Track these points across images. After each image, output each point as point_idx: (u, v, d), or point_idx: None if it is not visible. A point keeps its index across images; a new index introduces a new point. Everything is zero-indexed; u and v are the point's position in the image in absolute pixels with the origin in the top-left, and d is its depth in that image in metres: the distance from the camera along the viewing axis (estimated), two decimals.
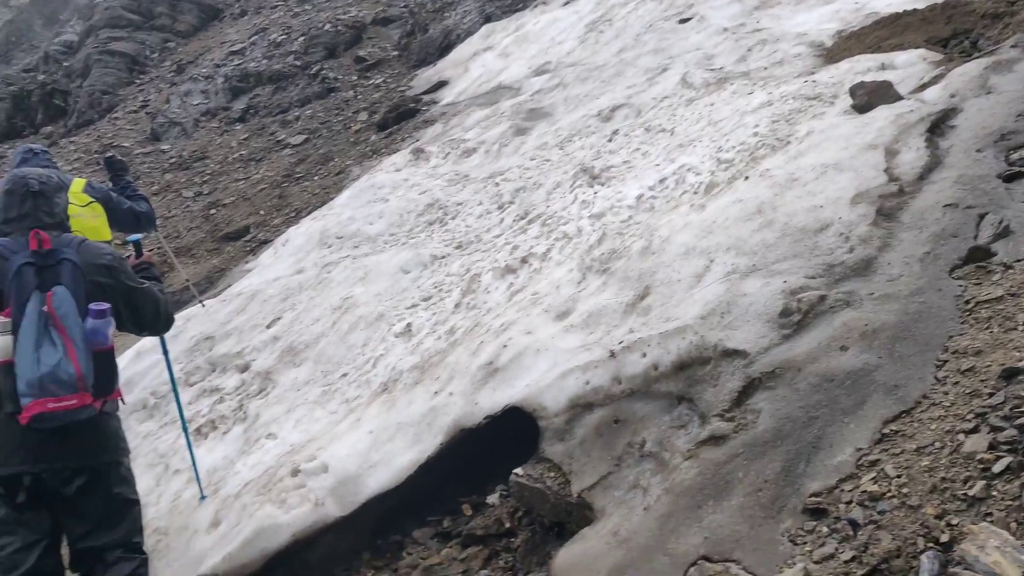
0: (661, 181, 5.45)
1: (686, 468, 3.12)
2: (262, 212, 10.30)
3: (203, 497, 4.62)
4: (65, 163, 15.02)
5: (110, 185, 5.36)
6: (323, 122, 12.92)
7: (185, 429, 4.90)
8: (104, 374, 3.28)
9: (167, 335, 4.69)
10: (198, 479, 4.71)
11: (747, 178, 4.58)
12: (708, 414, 3.28)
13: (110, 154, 5.63)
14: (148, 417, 5.78)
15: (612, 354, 3.74)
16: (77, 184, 4.84)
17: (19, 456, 3.17)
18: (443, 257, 6.15)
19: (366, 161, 10.36)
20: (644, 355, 3.64)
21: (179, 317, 6.95)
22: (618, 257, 4.66)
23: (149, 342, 6.56)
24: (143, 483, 5.07)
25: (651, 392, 3.56)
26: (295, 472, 4.23)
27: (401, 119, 11.34)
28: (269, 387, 5.43)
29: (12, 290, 3.20)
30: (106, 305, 3.29)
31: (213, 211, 10.95)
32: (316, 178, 10.75)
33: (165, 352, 4.90)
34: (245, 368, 5.80)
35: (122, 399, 3.58)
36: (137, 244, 4.35)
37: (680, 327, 3.66)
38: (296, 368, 5.46)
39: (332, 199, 8.78)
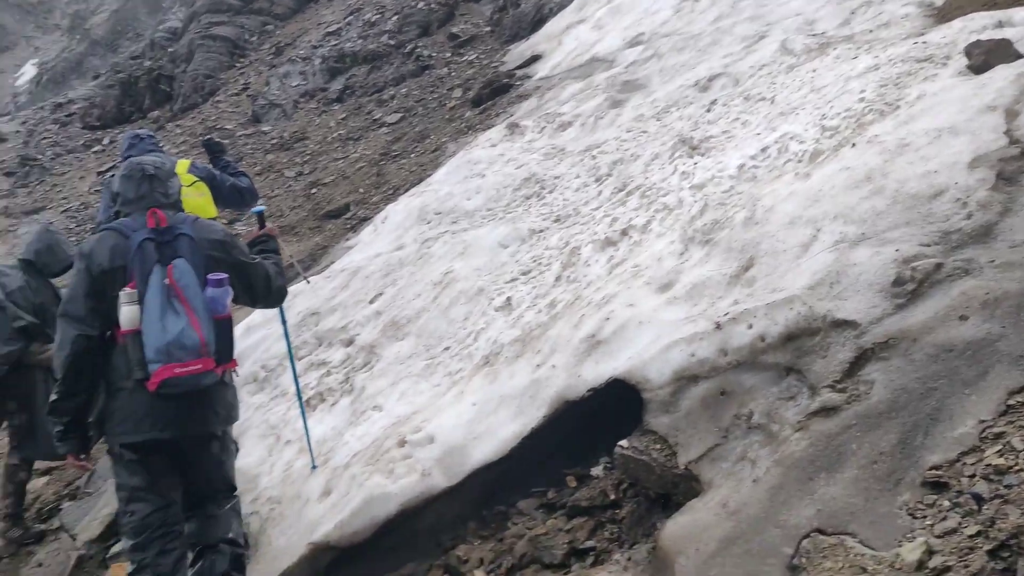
0: (763, 150, 5.33)
1: (796, 440, 3.07)
2: (361, 190, 10.49)
3: (314, 467, 4.77)
4: (172, 146, 15.57)
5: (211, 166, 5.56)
6: (418, 100, 13.05)
7: (300, 397, 5.04)
8: (224, 341, 3.57)
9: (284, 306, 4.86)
10: (310, 449, 4.85)
11: (854, 145, 4.44)
12: (818, 385, 3.22)
13: (207, 136, 5.99)
14: (259, 390, 5.97)
15: (717, 326, 3.70)
16: (181, 165, 5.17)
17: (149, 423, 3.47)
18: (541, 231, 6.16)
19: (461, 137, 10.43)
20: (750, 326, 3.59)
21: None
22: (721, 228, 4.59)
23: (259, 317, 6.79)
24: (256, 454, 5.29)
25: (758, 364, 3.51)
26: (402, 443, 4.33)
27: (495, 95, 11.36)
28: (373, 360, 5.55)
29: (135, 265, 3.46)
30: (224, 275, 3.56)
31: (314, 190, 11.20)
32: (412, 155, 10.88)
33: (284, 323, 5.06)
34: (350, 342, 5.94)
35: (236, 370, 3.88)
36: (260, 215, 4.59)
37: (787, 298, 3.60)
38: (399, 342, 5.56)
39: (429, 176, 8.86)
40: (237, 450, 5.08)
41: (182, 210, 3.81)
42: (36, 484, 6.52)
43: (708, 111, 6.89)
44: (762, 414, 3.33)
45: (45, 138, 19.82)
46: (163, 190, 3.70)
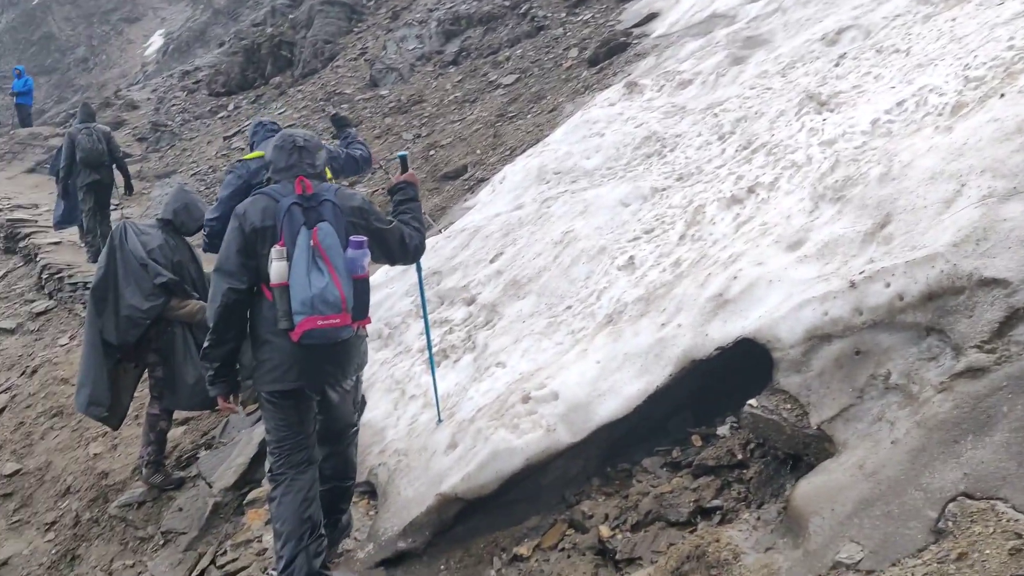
0: (899, 104, 5.11)
1: (939, 401, 2.96)
2: (478, 151, 10.54)
3: (440, 420, 4.87)
4: (293, 111, 15.98)
5: (336, 141, 6.21)
6: (534, 61, 12.99)
7: (430, 351, 5.13)
8: (361, 298, 3.88)
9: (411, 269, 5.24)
10: (437, 403, 4.95)
11: (1003, 95, 4.20)
12: (963, 346, 3.09)
13: (334, 111, 6.43)
14: (384, 346, 6.12)
15: (852, 284, 3.58)
16: None
17: (294, 373, 3.88)
18: (663, 189, 6.07)
19: (578, 97, 10.35)
20: (888, 285, 3.46)
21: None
22: (854, 184, 4.44)
23: (382, 276, 6.95)
24: (382, 408, 5.44)
25: (895, 323, 3.39)
26: (526, 399, 4.37)
27: (612, 54, 11.21)
28: (495, 319, 5.61)
29: (284, 226, 3.81)
30: (363, 238, 3.89)
31: (432, 152, 11.32)
32: (529, 116, 10.86)
33: (420, 280, 5.16)
34: (471, 301, 6.01)
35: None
36: (403, 160, 4.78)
37: (928, 255, 3.45)
38: (520, 301, 5.60)
39: (546, 136, 8.84)
40: (364, 403, 5.33)
41: (326, 180, 4.17)
42: (175, 433, 6.87)
43: (836, 65, 6.63)
44: (900, 375, 3.22)
45: (174, 105, 20.62)
46: (311, 161, 4.07)
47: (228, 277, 3.85)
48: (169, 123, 19.37)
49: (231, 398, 4.13)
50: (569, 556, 3.78)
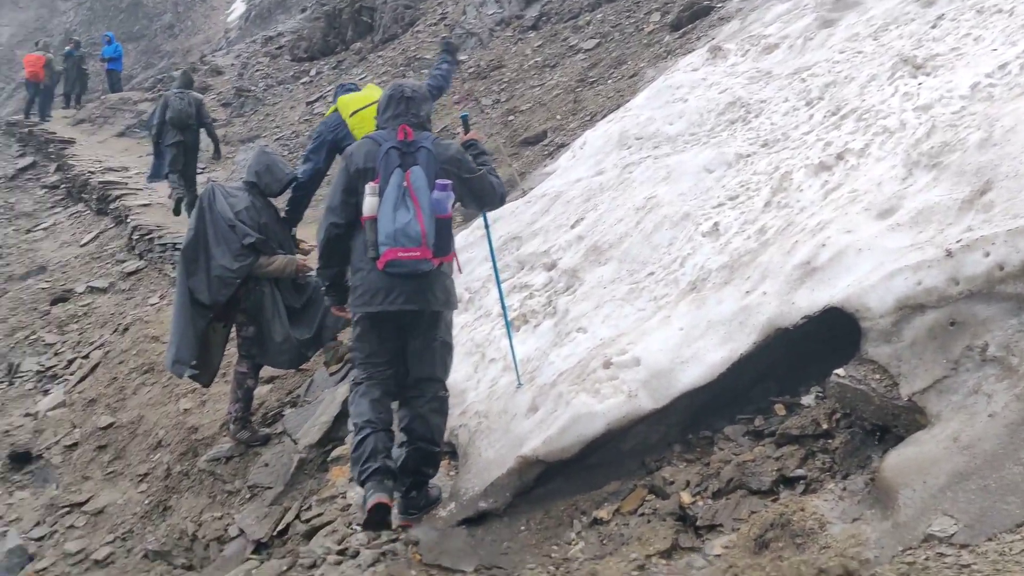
0: (1001, 67, 4.92)
1: None
2: (558, 117, 10.49)
3: (520, 384, 4.91)
4: (374, 76, 16.10)
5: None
6: (614, 25, 12.83)
7: (506, 317, 5.18)
8: (442, 237, 4.21)
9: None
10: (516, 368, 4.99)
11: None
12: None
13: (445, 36, 6.89)
14: (464, 310, 6.17)
15: (948, 253, 3.48)
16: (372, 87, 6.29)
17: (380, 298, 4.25)
18: (748, 156, 5.96)
19: (660, 62, 10.20)
20: (987, 254, 3.36)
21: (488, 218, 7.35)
22: (951, 151, 4.30)
23: (461, 241, 7.00)
24: (462, 370, 5.49)
25: (994, 294, 3.29)
26: (607, 364, 4.37)
27: (695, 18, 11.01)
28: (576, 284, 5.61)
29: (381, 166, 4.24)
30: (448, 182, 4.21)
31: (511, 117, 11.31)
32: (610, 81, 10.75)
33: (490, 245, 5.32)
34: (552, 266, 6.01)
35: (459, 267, 4.74)
36: (465, 120, 5.23)
37: None
38: (601, 266, 5.58)
39: (627, 101, 8.75)
40: (452, 348, 5.34)
41: (428, 129, 4.53)
42: (261, 391, 7.06)
43: (933, 27, 6.40)
44: (999, 346, 3.13)
45: (257, 70, 20.95)
46: (415, 111, 4.45)
47: (331, 213, 4.38)
48: (253, 88, 19.70)
49: (340, 308, 4.76)
50: (649, 521, 3.79)
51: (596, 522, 3.95)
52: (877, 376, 3.45)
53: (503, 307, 5.23)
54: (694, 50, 9.36)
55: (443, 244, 4.22)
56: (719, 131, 6.72)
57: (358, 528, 4.45)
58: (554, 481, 4.27)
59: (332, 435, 6.00)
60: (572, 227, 6.38)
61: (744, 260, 4.64)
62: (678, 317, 4.51)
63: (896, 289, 3.56)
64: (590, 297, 5.34)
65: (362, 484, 4.18)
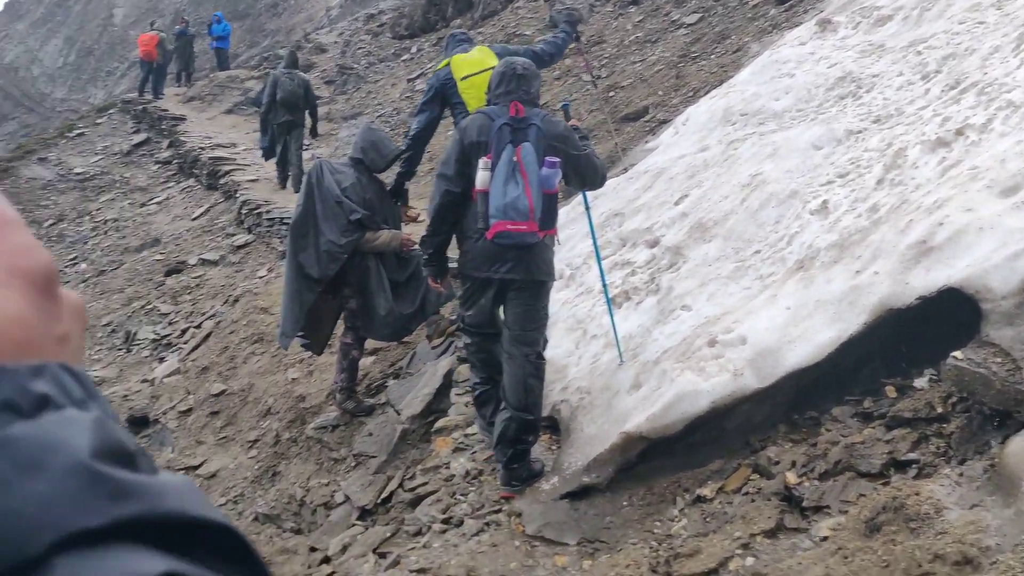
0: None
1: None
2: (660, 92, 10.38)
3: (622, 361, 4.92)
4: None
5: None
6: None
7: (607, 294, 5.21)
8: (548, 211, 4.46)
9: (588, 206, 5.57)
10: (618, 345, 5.01)
11: None
12: None
13: (567, 7, 6.98)
14: (565, 286, 6.20)
15: None
16: (482, 50, 6.42)
17: (487, 265, 4.52)
18: (859, 132, 5.81)
19: (765, 37, 9.97)
20: None
21: (589, 194, 7.34)
22: None
23: (563, 217, 7.01)
24: (564, 346, 5.53)
25: None
26: (712, 342, 4.35)
27: None
28: (679, 262, 5.57)
29: (493, 142, 4.43)
30: (556, 159, 4.40)
31: (612, 94, 11.23)
32: (713, 56, 10.58)
33: (590, 222, 5.37)
34: (655, 243, 5.99)
35: (557, 239, 4.96)
36: (566, 109, 5.35)
37: None
38: (706, 244, 5.53)
39: (731, 77, 8.60)
40: (546, 342, 5.45)
41: (538, 106, 4.71)
42: (365, 363, 7.23)
43: None
44: None
45: (359, 48, 21.29)
46: (526, 88, 4.62)
47: (447, 181, 4.58)
48: (355, 66, 20.03)
49: (440, 281, 5.06)
50: (753, 500, 3.77)
51: (699, 500, 3.95)
52: (999, 360, 3.35)
53: (604, 285, 5.25)
54: (801, 23, 9.13)
55: (548, 218, 4.47)
56: (828, 107, 6.55)
57: (462, 498, 4.55)
58: (657, 458, 4.28)
59: (434, 407, 6.12)
60: (675, 204, 6.32)
61: (855, 239, 4.54)
62: (785, 296, 4.45)
63: (1020, 270, 3.45)
64: (694, 275, 5.30)
65: (487, 428, 4.80)
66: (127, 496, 0.42)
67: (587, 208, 5.53)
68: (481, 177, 4.41)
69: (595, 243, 5.39)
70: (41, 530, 0.39)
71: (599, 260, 5.35)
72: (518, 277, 4.53)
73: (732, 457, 4.11)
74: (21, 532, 0.39)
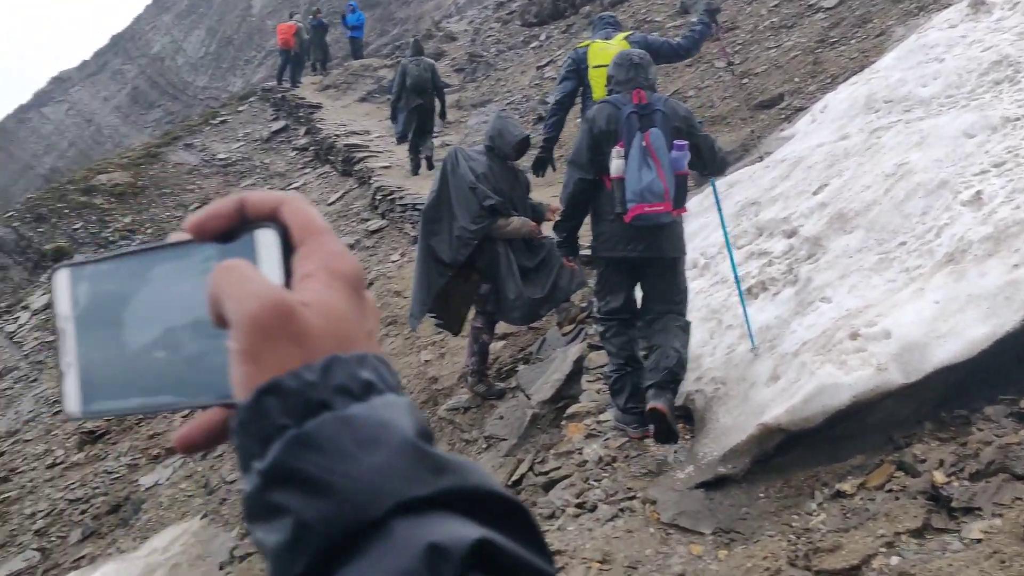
0: None
1: None
2: (796, 79, 10.13)
3: (753, 347, 4.88)
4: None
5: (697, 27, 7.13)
6: None
7: (738, 284, 5.18)
8: (680, 191, 4.73)
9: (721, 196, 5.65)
10: (750, 331, 4.97)
11: None
12: None
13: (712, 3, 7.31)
14: (699, 275, 6.16)
15: None
16: (619, 38, 6.73)
17: (623, 245, 4.80)
18: (1017, 119, 5.53)
19: (910, 20, 9.58)
20: None
21: (723, 183, 7.26)
22: None
23: (697, 206, 6.96)
24: (698, 336, 5.50)
25: None
26: (854, 336, 4.25)
27: None
28: (819, 252, 5.45)
29: (623, 130, 4.68)
30: (685, 143, 4.67)
31: (745, 80, 11.02)
32: (853, 41, 10.24)
33: (716, 200, 5.46)
34: (792, 233, 5.87)
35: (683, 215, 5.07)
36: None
37: None
38: (847, 235, 5.39)
39: (874, 62, 8.31)
40: (687, 289, 5.61)
41: (656, 91, 4.94)
42: (495, 347, 7.36)
43: None
44: None
45: (489, 36, 21.49)
46: (645, 75, 4.88)
47: (579, 169, 4.87)
48: (484, 54, 20.23)
49: (572, 260, 5.33)
50: (897, 498, 3.68)
51: (839, 495, 3.87)
52: None
53: (735, 276, 5.21)
54: (950, 5, 8.73)
55: (680, 197, 4.75)
56: (981, 92, 6.27)
57: (596, 484, 4.60)
58: (795, 450, 4.22)
59: (564, 392, 6.18)
60: (814, 194, 6.18)
61: (1012, 231, 4.35)
62: (933, 290, 4.31)
63: None
64: (834, 266, 5.18)
65: (624, 413, 4.92)
66: (444, 471, 0.48)
67: (717, 201, 5.56)
68: (616, 165, 4.64)
69: (725, 233, 5.39)
70: (380, 496, 0.46)
71: (730, 250, 5.33)
72: (655, 255, 4.81)
73: (874, 453, 4.02)
74: (364, 497, 0.46)
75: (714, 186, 5.70)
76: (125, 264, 0.58)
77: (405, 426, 0.49)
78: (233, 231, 0.55)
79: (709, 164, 5.11)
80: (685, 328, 4.89)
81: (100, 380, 0.58)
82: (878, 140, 6.33)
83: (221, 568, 6.07)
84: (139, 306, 0.57)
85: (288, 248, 0.54)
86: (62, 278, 0.59)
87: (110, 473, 8.93)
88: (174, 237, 0.58)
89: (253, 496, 0.47)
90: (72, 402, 0.58)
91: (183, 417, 7.97)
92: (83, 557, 7.71)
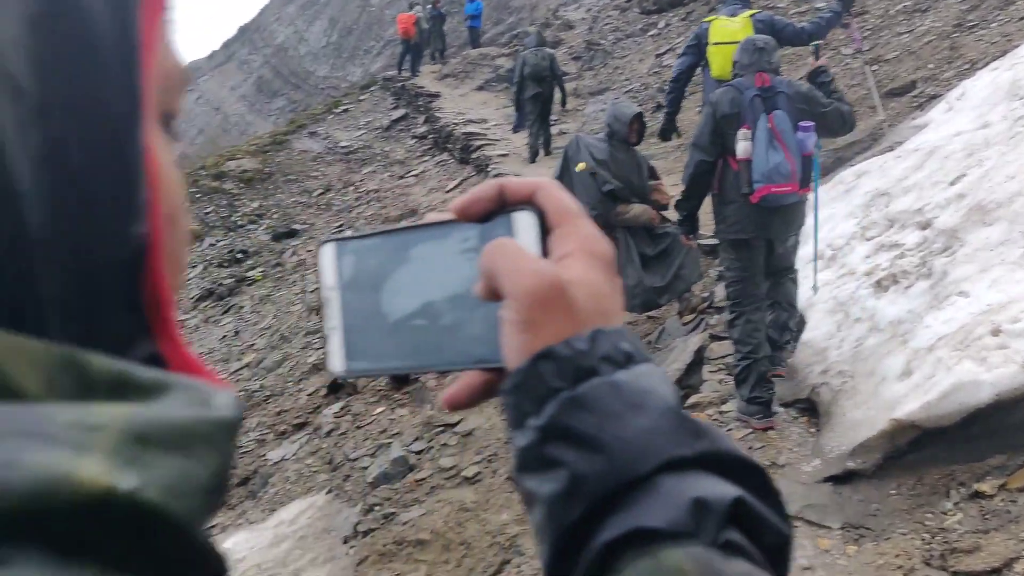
0: None
1: None
2: (930, 66, 9.74)
3: (815, 288, 5.63)
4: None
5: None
6: None
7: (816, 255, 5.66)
8: (806, 172, 4.84)
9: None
10: (815, 274, 5.66)
11: None
12: None
13: None
14: (826, 267, 6.02)
15: None
16: (743, 19, 6.78)
17: (750, 226, 4.95)
18: None
19: None
20: None
21: (852, 173, 7.08)
22: None
23: (823, 196, 6.79)
24: (823, 328, 5.41)
25: None
26: (996, 332, 4.11)
27: None
28: (955, 245, 5.26)
29: (748, 113, 4.82)
30: (811, 124, 4.79)
31: (875, 67, 10.66)
32: (994, 25, 9.77)
33: (815, 203, 5.59)
34: (926, 225, 5.68)
35: (807, 195, 5.18)
36: (816, 49, 5.67)
37: None
38: (987, 227, 5.18)
39: (1017, 47, 7.94)
40: (803, 322, 5.46)
41: (780, 74, 5.05)
42: None
43: None
44: None
45: (607, 24, 21.34)
46: (768, 59, 4.98)
47: (700, 151, 5.00)
48: (602, 42, 20.11)
49: (691, 238, 5.71)
50: None
51: (977, 495, 3.76)
52: None
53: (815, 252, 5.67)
54: None
55: (806, 178, 4.88)
56: None
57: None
58: (928, 447, 4.10)
59: (684, 382, 6.14)
60: (951, 184, 5.95)
61: None
62: None
63: None
64: (973, 260, 4.99)
65: (748, 404, 4.96)
66: (701, 435, 0.53)
67: (815, 203, 5.62)
68: (742, 147, 4.77)
69: (815, 205, 5.62)
70: (648, 454, 0.50)
71: (816, 229, 5.70)
72: (781, 234, 5.05)
73: (1016, 454, 3.87)
74: (633, 454, 0.50)
75: (816, 168, 5.54)
76: (388, 240, 0.64)
77: (665, 393, 0.54)
78: (491, 213, 0.60)
79: (839, 130, 5.25)
80: (795, 280, 5.43)
81: (361, 343, 0.64)
82: (1022, 129, 6.05)
83: (345, 542, 6.29)
84: (400, 279, 0.63)
85: (543, 230, 0.59)
86: (328, 251, 0.66)
87: (240, 447, 9.35)
88: (431, 217, 0.63)
89: (529, 449, 0.53)
90: (336, 361, 0.65)
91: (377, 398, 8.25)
92: (215, 526, 8.10)
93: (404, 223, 0.66)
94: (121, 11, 0.42)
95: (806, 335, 5.50)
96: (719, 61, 6.86)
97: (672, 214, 6.29)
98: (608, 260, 0.59)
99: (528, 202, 0.60)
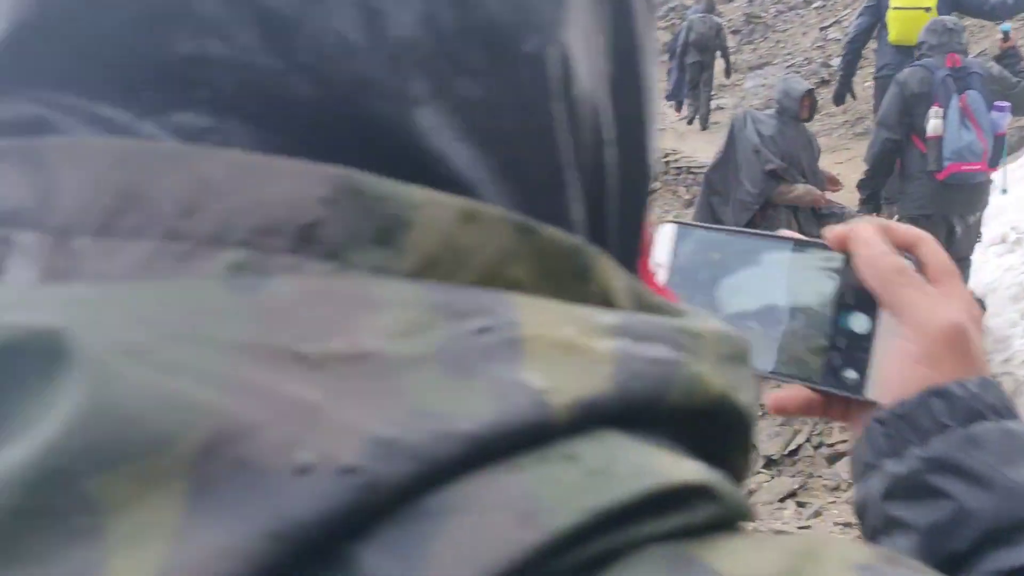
0: None
1: None
2: None
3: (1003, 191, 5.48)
4: None
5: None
6: None
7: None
8: (997, 152, 4.91)
9: None
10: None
11: None
12: None
13: None
14: (1008, 251, 5.72)
15: None
16: None
17: (931, 204, 4.92)
18: None
19: None
20: None
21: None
22: None
23: (1019, 172, 6.45)
24: (1005, 315, 5.18)
25: None
26: None
27: None
28: None
29: (939, 92, 4.77)
30: (1007, 104, 4.81)
31: None
32: None
33: (1003, 151, 5.39)
34: None
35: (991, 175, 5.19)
36: (1006, 32, 5.64)
37: None
38: None
39: None
40: (983, 310, 5.24)
41: (967, 55, 5.13)
42: None
43: None
44: None
45: None
46: (958, 40, 4.99)
47: (887, 129, 5.01)
48: (763, 15, 19.51)
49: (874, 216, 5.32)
50: None
51: None
52: None
53: None
54: None
55: (996, 158, 4.97)
56: None
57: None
58: None
59: None
60: None
61: None
62: None
63: None
64: None
65: None
66: None
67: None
68: (933, 124, 4.73)
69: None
70: None
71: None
72: (965, 212, 4.98)
73: None
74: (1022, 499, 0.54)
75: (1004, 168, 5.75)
76: (736, 240, 0.66)
77: None
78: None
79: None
80: (967, 272, 5.19)
81: None
82: None
83: None
84: (740, 278, 0.64)
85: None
86: (669, 231, 0.67)
87: None
88: (787, 233, 0.66)
89: (907, 477, 0.55)
90: None
91: None
92: None
93: (758, 230, 0.68)
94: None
95: (987, 322, 5.24)
96: (898, 26, 6.59)
97: (841, 196, 6.12)
98: (979, 322, 0.63)
99: (908, 251, 0.62)
